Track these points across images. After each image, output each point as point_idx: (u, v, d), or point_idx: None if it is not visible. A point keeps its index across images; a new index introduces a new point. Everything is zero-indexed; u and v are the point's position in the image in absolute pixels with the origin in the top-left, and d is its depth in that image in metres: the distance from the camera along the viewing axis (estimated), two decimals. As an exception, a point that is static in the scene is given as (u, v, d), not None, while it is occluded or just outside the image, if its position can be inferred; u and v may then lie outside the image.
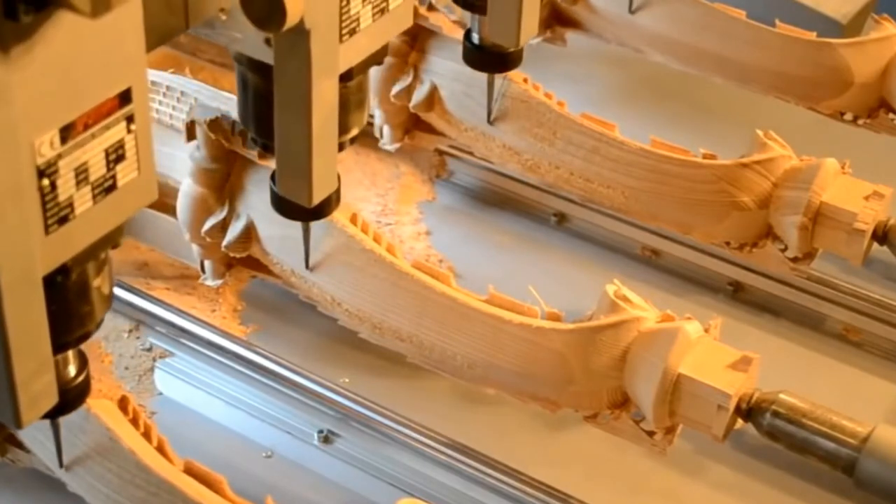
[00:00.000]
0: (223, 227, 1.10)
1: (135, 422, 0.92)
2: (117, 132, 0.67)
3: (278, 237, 1.09)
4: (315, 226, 1.05)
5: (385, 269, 1.04)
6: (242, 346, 1.14)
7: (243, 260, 1.13)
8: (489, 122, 1.22)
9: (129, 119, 0.67)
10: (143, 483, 0.90)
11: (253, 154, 1.07)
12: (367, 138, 1.31)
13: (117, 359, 1.14)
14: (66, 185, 0.65)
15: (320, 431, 1.09)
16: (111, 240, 0.70)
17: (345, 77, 0.83)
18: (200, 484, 0.89)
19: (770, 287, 1.26)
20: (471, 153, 1.32)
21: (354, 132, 0.89)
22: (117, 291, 1.16)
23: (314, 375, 1.11)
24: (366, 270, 1.05)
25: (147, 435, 0.92)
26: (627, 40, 1.38)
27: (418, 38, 1.25)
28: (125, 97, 0.67)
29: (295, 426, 1.10)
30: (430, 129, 1.30)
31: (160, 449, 0.91)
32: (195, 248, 1.13)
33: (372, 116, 1.29)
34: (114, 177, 0.68)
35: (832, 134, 1.33)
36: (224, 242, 1.10)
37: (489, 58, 1.07)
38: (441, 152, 1.37)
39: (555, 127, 1.21)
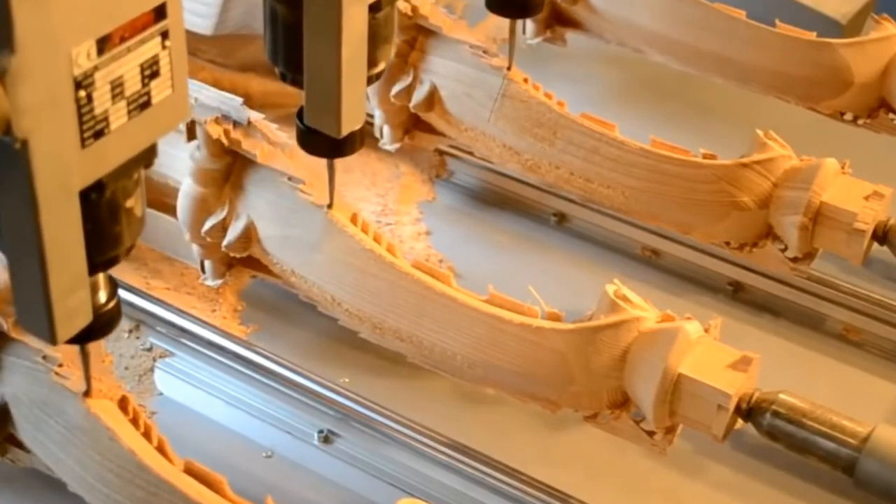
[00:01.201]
0: (223, 227, 1.10)
1: (135, 422, 0.92)
2: (152, 47, 0.68)
3: (278, 237, 1.09)
4: (315, 226, 1.06)
5: (385, 269, 1.04)
6: (242, 346, 1.14)
7: (243, 260, 1.13)
8: (509, 68, 1.22)
9: (164, 35, 0.69)
10: (143, 483, 0.90)
11: (253, 154, 1.07)
12: (368, 138, 1.31)
13: (117, 359, 1.14)
14: (101, 99, 0.66)
15: (320, 431, 1.09)
16: (145, 158, 0.71)
17: (373, 8, 0.84)
18: (200, 484, 0.89)
19: (770, 287, 1.26)
20: (471, 153, 1.32)
21: (381, 66, 0.91)
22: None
23: (314, 375, 1.11)
24: (366, 270, 1.05)
25: (147, 435, 0.92)
26: (627, 40, 1.38)
27: (418, 38, 1.25)
28: (160, 12, 0.68)
29: (295, 426, 1.10)
30: (430, 129, 1.30)
31: (160, 449, 0.91)
32: (195, 248, 1.13)
33: (372, 116, 1.29)
34: (148, 93, 0.69)
35: (832, 134, 1.33)
36: (224, 242, 1.10)
37: (511, 2, 1.12)
38: (441, 152, 1.37)
39: (555, 127, 1.21)
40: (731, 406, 0.96)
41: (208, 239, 1.11)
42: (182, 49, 0.70)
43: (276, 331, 1.19)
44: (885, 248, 1.16)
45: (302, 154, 1.01)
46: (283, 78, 0.90)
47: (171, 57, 0.70)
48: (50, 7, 0.61)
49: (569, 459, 1.10)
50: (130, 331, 1.17)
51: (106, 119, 0.67)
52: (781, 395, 0.99)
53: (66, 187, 0.66)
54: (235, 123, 1.07)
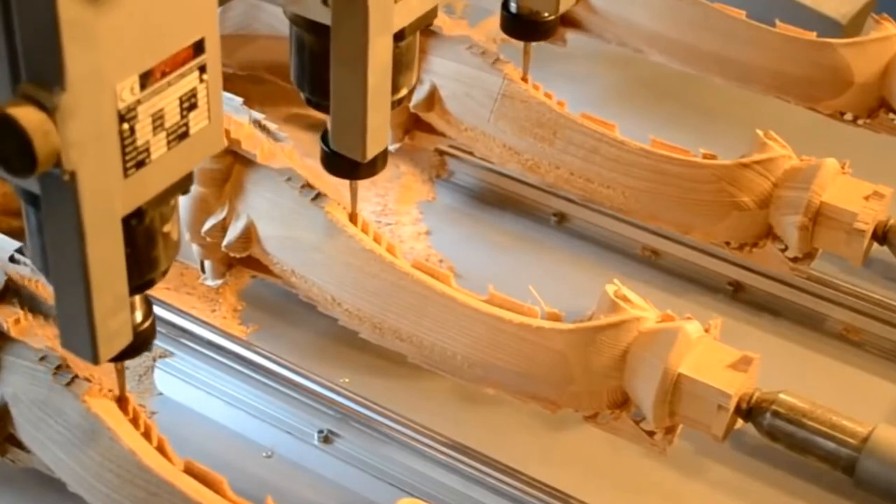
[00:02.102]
0: (223, 227, 1.10)
1: (135, 422, 0.92)
2: (191, 81, 0.71)
3: (278, 237, 1.08)
4: (315, 226, 1.06)
5: (385, 269, 1.04)
6: (242, 346, 1.14)
7: (243, 260, 1.13)
8: (525, 76, 1.23)
9: (202, 69, 0.72)
10: (143, 483, 0.90)
11: (253, 154, 1.07)
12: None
13: (117, 359, 1.14)
14: (143, 130, 0.69)
15: (320, 431, 1.09)
16: (182, 186, 0.75)
17: (397, 37, 0.88)
18: (200, 484, 0.89)
19: (770, 287, 1.26)
20: (471, 153, 1.32)
21: (404, 92, 0.95)
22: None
23: (314, 375, 1.11)
24: (366, 270, 1.05)
25: (147, 435, 0.92)
26: (627, 40, 1.38)
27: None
28: (199, 47, 0.71)
29: (295, 426, 1.10)
30: (430, 129, 1.30)
31: (160, 449, 0.91)
32: (195, 248, 1.13)
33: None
34: (186, 124, 0.72)
35: (832, 134, 1.33)
36: (224, 242, 1.10)
37: (526, 26, 1.15)
38: (441, 152, 1.37)
39: (555, 127, 1.21)
40: (731, 406, 0.96)
41: (208, 239, 1.11)
42: (218, 81, 0.73)
43: (276, 331, 1.19)
44: (885, 248, 1.16)
45: (301, 153, 1.02)
46: (309, 102, 0.93)
47: (208, 89, 0.73)
48: (98, 45, 0.64)
49: (569, 459, 1.10)
50: (130, 331, 1.17)
51: (147, 150, 0.70)
52: (781, 395, 0.99)
53: (110, 215, 0.70)
54: (236, 123, 1.07)
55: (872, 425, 0.98)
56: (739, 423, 0.99)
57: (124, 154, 0.69)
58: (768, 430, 0.99)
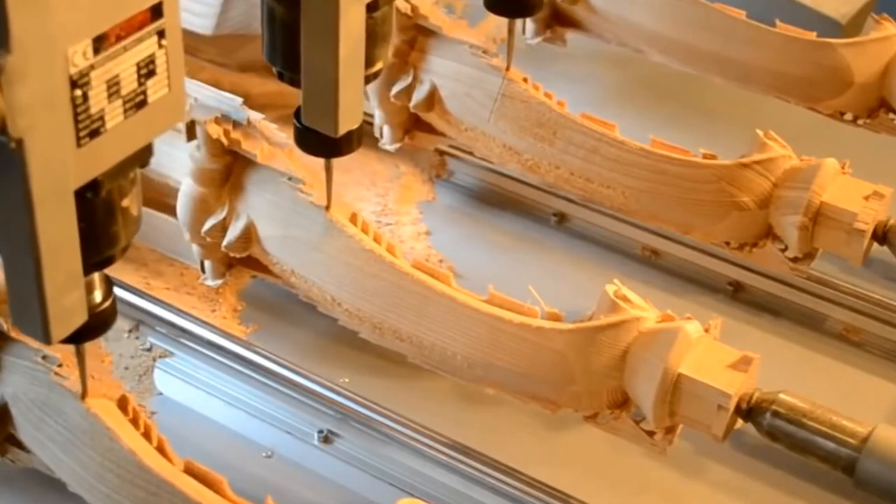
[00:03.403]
0: (223, 227, 1.10)
1: (135, 422, 0.92)
2: (148, 46, 0.68)
3: (278, 237, 1.08)
4: (315, 226, 1.06)
5: (385, 269, 1.04)
6: (242, 346, 1.14)
7: (243, 260, 1.13)
8: (507, 68, 1.21)
9: (161, 34, 0.68)
10: (143, 483, 0.90)
11: (253, 154, 1.07)
12: (367, 138, 1.31)
13: (117, 359, 1.14)
14: (97, 98, 0.66)
15: (320, 431, 1.09)
16: (141, 158, 0.71)
17: (371, 7, 0.84)
18: (200, 484, 0.89)
19: (770, 287, 1.26)
20: (471, 153, 1.32)
21: (378, 66, 0.91)
22: (117, 291, 1.15)
23: (314, 375, 1.11)
24: (366, 270, 1.05)
25: (147, 435, 0.92)
26: (627, 40, 1.38)
27: (418, 38, 1.25)
28: (157, 11, 0.68)
29: (295, 426, 1.10)
30: (430, 129, 1.30)
31: (160, 449, 0.91)
32: (195, 248, 1.13)
33: (372, 116, 1.29)
34: (144, 92, 0.69)
35: (832, 134, 1.33)
36: (224, 242, 1.10)
37: (510, 2, 1.11)
38: (441, 152, 1.37)
39: (555, 127, 1.21)
40: (731, 406, 0.96)
41: (208, 239, 1.11)
42: (178, 48, 0.70)
43: (276, 331, 1.19)
44: (885, 248, 1.16)
45: (302, 154, 1.01)
46: (281, 77, 0.90)
47: (167, 56, 0.69)
48: (47, 6, 0.61)
49: (569, 459, 1.10)
50: (130, 331, 1.17)
51: (102, 118, 0.67)
52: (781, 395, 0.99)
53: (62, 187, 0.66)
54: (235, 123, 1.07)
55: (872, 425, 0.98)
56: (739, 423, 0.99)
57: (77, 122, 0.65)
58: (768, 430, 0.99)
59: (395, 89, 1.25)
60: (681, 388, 0.96)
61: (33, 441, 0.96)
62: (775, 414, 0.98)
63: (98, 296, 0.78)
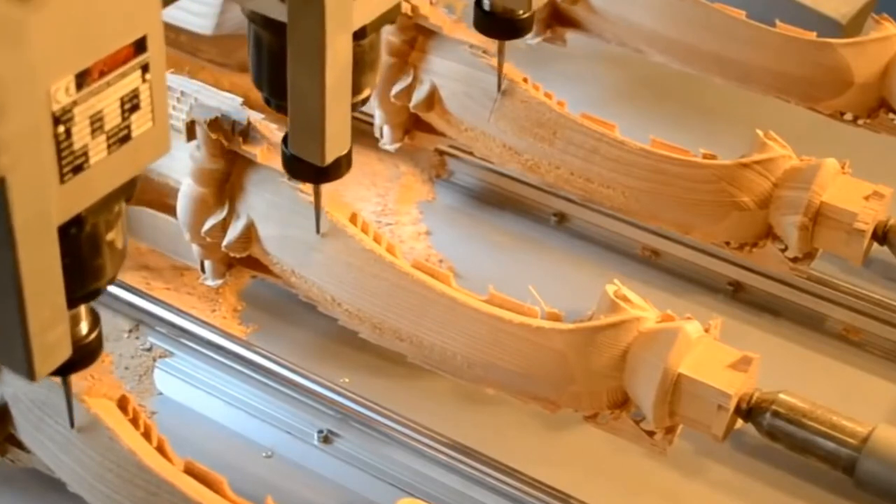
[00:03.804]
0: (223, 227, 1.10)
1: (135, 422, 0.92)
2: (132, 81, 0.67)
3: (278, 237, 1.09)
4: (315, 226, 1.06)
5: (385, 269, 1.04)
6: (242, 346, 1.14)
7: (243, 260, 1.13)
8: (499, 91, 1.21)
9: (145, 68, 0.68)
10: (143, 483, 0.90)
11: (253, 154, 1.07)
12: (367, 138, 1.31)
13: (117, 359, 1.14)
14: (81, 133, 0.66)
15: (320, 431, 1.09)
16: (125, 191, 0.71)
17: (358, 35, 0.83)
18: (200, 484, 0.89)
19: (770, 287, 1.26)
20: (471, 153, 1.32)
21: (367, 93, 0.90)
22: (117, 291, 1.16)
23: (314, 375, 1.11)
24: (366, 270, 1.05)
25: (147, 435, 0.92)
26: (627, 40, 1.38)
27: (418, 38, 1.25)
28: (140, 45, 0.67)
29: (295, 426, 1.10)
30: (430, 129, 1.30)
31: (160, 449, 0.91)
32: (195, 248, 1.13)
33: (372, 116, 1.29)
34: (128, 127, 0.68)
35: (832, 134, 1.33)
36: (224, 242, 1.10)
37: (499, 24, 1.08)
38: (441, 152, 1.37)
39: (555, 127, 1.21)
40: (731, 406, 0.96)
41: (208, 239, 1.11)
42: (162, 82, 0.69)
43: (276, 331, 1.19)
44: (885, 248, 1.16)
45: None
46: (268, 103, 0.88)
47: (151, 90, 0.69)
48: (29, 44, 0.60)
49: (569, 459, 1.10)
50: (130, 331, 1.17)
51: (85, 154, 0.66)
52: (781, 395, 0.99)
53: (45, 223, 0.66)
54: (235, 123, 1.07)
55: (872, 425, 0.98)
56: (739, 423, 0.99)
57: (60, 158, 0.65)
58: (768, 430, 0.99)
59: (395, 89, 1.25)
60: (681, 388, 0.96)
61: (33, 441, 0.96)
62: (775, 414, 0.98)
63: (84, 328, 0.78)
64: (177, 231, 1.14)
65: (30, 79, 0.61)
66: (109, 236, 0.73)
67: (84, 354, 0.77)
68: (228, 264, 1.15)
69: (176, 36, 1.36)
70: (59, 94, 0.63)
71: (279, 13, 0.80)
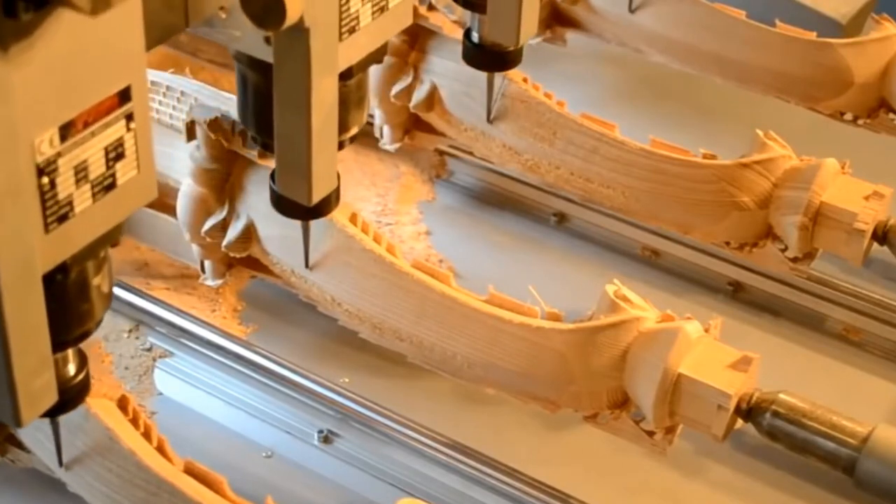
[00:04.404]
0: (223, 227, 1.10)
1: (135, 422, 0.92)
2: (117, 130, 0.67)
3: (278, 237, 1.08)
4: (315, 225, 1.05)
5: (385, 269, 1.04)
6: (242, 346, 1.14)
7: (243, 260, 1.13)
8: (489, 121, 1.22)
9: (129, 117, 0.68)
10: (143, 483, 0.90)
11: (253, 154, 1.07)
12: (367, 138, 1.31)
13: (117, 359, 1.14)
14: (65, 184, 0.65)
15: (320, 431, 1.09)
16: (110, 238, 0.71)
17: (344, 75, 0.83)
18: (200, 484, 0.89)
19: (770, 287, 1.26)
20: (471, 153, 1.32)
21: (354, 131, 0.89)
22: (117, 291, 1.16)
23: (314, 375, 1.11)
24: (366, 270, 1.05)
25: (147, 435, 0.92)
26: (627, 40, 1.38)
27: (418, 38, 1.25)
28: (125, 95, 0.67)
29: (295, 426, 1.10)
30: (430, 129, 1.30)
31: (160, 449, 0.91)
32: (195, 248, 1.13)
33: (372, 116, 1.29)
34: (113, 175, 0.68)
35: (832, 134, 1.33)
36: (224, 242, 1.10)
37: (489, 56, 1.07)
38: (441, 152, 1.37)
39: (555, 127, 1.21)
40: (731, 406, 0.96)
41: (208, 239, 1.11)
42: (147, 129, 0.69)
43: (276, 331, 1.19)
44: (885, 248, 1.16)
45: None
46: (255, 141, 0.88)
47: (136, 138, 0.68)
48: (11, 99, 0.60)
49: (569, 459, 1.10)
50: (130, 331, 1.17)
51: (70, 203, 0.66)
52: (781, 395, 0.99)
53: (29, 272, 0.65)
54: (235, 123, 1.07)
55: (872, 425, 0.98)
56: (739, 423, 0.99)
57: (45, 209, 0.64)
58: (768, 430, 0.99)
59: (395, 89, 1.25)
60: (681, 388, 0.96)
61: (33, 441, 0.96)
62: (775, 414, 0.98)
63: (71, 369, 0.78)
64: (177, 231, 1.14)
65: (13, 131, 0.61)
66: (95, 281, 0.73)
67: (71, 396, 0.77)
68: (228, 264, 1.15)
69: (176, 36, 1.36)
70: (43, 145, 0.63)
71: (265, 54, 0.79)
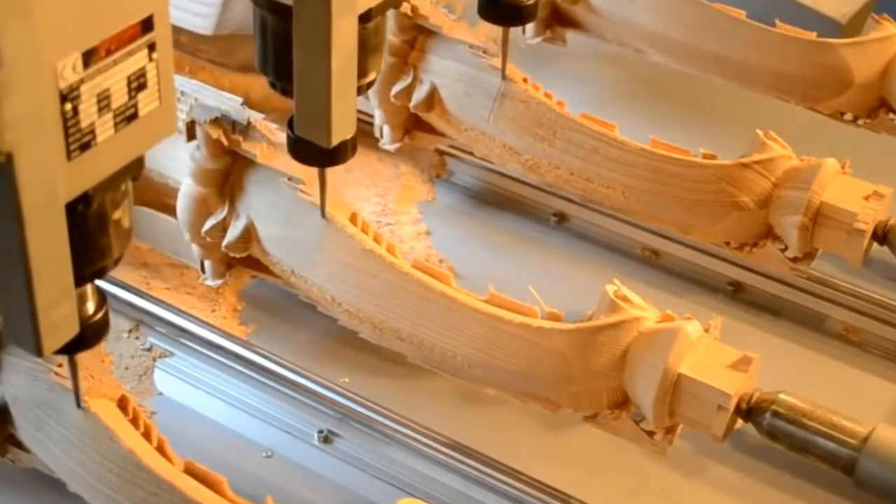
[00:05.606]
0: (223, 227, 1.10)
1: (135, 422, 0.92)
2: (139, 60, 0.68)
3: (278, 237, 1.09)
4: (315, 225, 1.06)
5: (385, 269, 1.04)
6: (242, 346, 1.14)
7: (243, 260, 1.13)
8: (503, 77, 1.21)
9: (151, 47, 0.68)
10: (143, 483, 0.90)
11: (253, 154, 1.07)
12: (367, 138, 1.31)
13: (117, 359, 1.14)
14: (88, 111, 0.66)
15: (320, 431, 1.09)
16: (132, 170, 0.71)
17: (363, 18, 0.84)
18: (200, 484, 0.89)
19: (770, 287, 1.26)
20: (471, 153, 1.32)
21: (372, 76, 0.91)
22: (117, 291, 1.16)
23: (314, 375, 1.11)
24: (366, 270, 1.05)
25: (147, 435, 0.92)
26: (627, 40, 1.38)
27: (418, 38, 1.25)
28: (147, 25, 0.67)
29: (295, 426, 1.10)
30: (430, 129, 1.30)
31: (160, 449, 0.91)
32: (195, 248, 1.13)
33: (372, 116, 1.29)
34: (135, 105, 0.69)
35: (832, 134, 1.33)
36: (224, 242, 1.10)
37: (504, 10, 1.07)
38: (441, 152, 1.37)
39: (555, 127, 1.21)
40: (731, 406, 0.96)
41: (208, 239, 1.11)
42: (169, 61, 0.70)
43: (276, 331, 1.19)
44: (885, 248, 1.16)
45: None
46: (273, 87, 0.89)
47: (158, 69, 0.69)
48: (35, 21, 0.61)
49: (569, 459, 1.10)
50: (130, 331, 1.17)
51: (92, 132, 0.67)
52: (781, 395, 0.99)
53: (52, 200, 0.66)
54: (235, 123, 1.07)
55: (872, 425, 0.98)
56: (739, 423, 0.99)
57: (67, 136, 0.65)
58: (768, 430, 0.99)
59: (395, 89, 1.25)
60: (681, 388, 0.96)
61: (33, 441, 0.96)
62: (775, 414, 0.98)
63: (91, 307, 0.78)
64: (177, 231, 1.14)
65: (37, 56, 0.62)
66: (116, 215, 0.73)
67: (91, 332, 0.78)
68: (228, 264, 1.15)
69: (176, 36, 1.35)
70: (66, 71, 0.64)
71: None
